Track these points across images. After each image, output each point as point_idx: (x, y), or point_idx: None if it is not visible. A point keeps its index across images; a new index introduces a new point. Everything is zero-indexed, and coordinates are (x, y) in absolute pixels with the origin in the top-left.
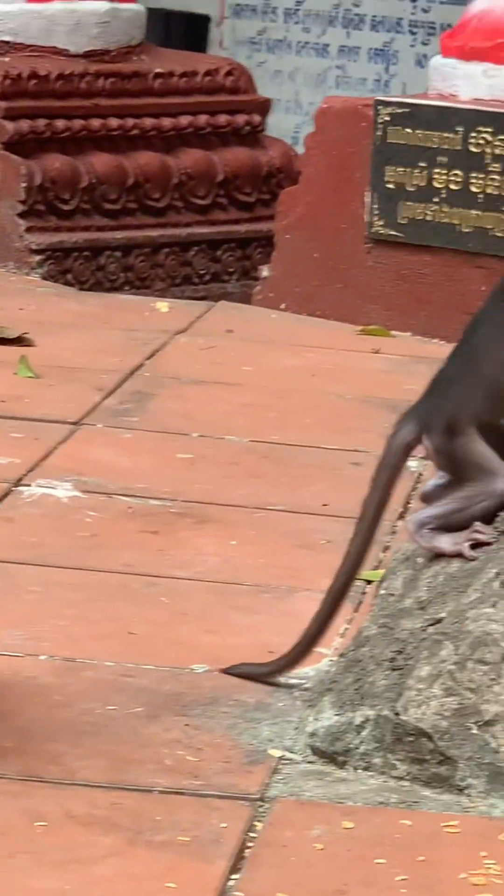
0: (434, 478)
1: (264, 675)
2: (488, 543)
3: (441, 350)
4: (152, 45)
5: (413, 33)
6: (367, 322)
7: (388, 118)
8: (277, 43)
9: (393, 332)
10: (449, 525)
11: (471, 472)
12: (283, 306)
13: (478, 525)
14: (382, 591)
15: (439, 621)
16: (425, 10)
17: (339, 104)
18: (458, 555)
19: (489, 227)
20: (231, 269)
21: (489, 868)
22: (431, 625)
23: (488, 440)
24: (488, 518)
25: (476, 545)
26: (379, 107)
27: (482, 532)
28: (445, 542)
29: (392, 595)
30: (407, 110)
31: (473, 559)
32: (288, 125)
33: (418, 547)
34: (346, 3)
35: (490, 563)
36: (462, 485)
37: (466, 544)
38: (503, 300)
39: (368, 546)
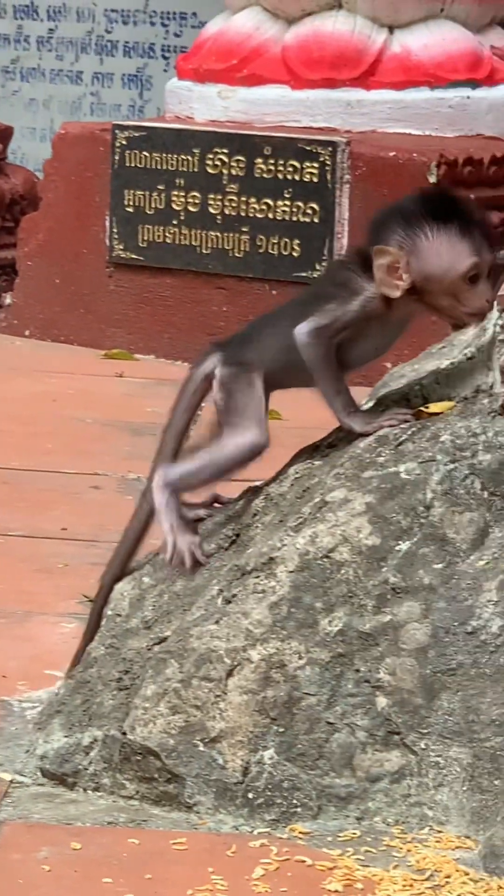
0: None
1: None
2: (201, 564)
3: (183, 371)
4: None
5: (165, 58)
6: (111, 346)
7: (125, 142)
8: (31, 71)
9: (136, 356)
10: (197, 483)
11: (234, 414)
12: (26, 333)
13: (197, 540)
14: (109, 612)
15: (164, 640)
16: (177, 35)
17: (76, 130)
18: (174, 546)
19: (228, 247)
20: None
21: (216, 883)
22: (157, 644)
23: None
24: (232, 470)
25: (195, 563)
26: (116, 131)
27: (200, 552)
28: (167, 519)
29: (119, 615)
30: (144, 134)
31: (181, 564)
32: (44, 153)
33: (147, 568)
34: (98, 29)
35: (213, 580)
36: (220, 431)
37: (188, 553)
38: (323, 279)
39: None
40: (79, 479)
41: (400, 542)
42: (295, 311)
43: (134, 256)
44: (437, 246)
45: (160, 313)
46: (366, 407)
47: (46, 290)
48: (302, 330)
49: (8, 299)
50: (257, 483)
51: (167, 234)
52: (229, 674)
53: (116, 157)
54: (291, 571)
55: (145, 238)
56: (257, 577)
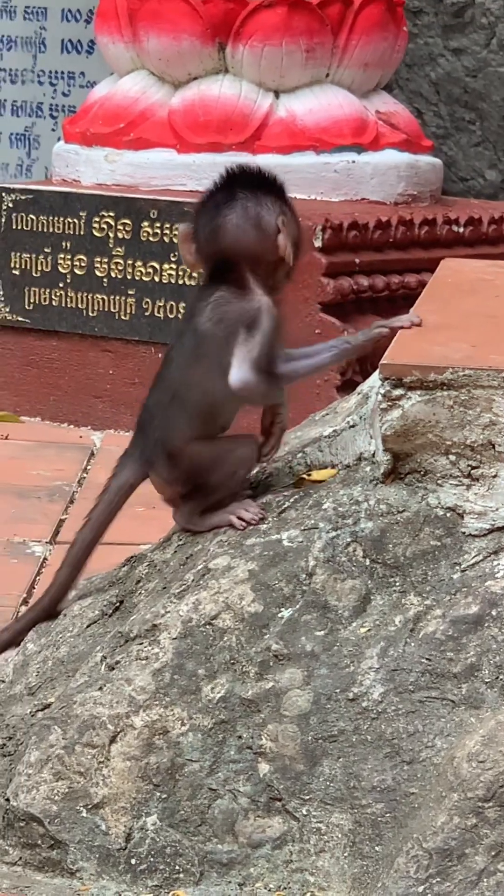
0: None
1: None
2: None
3: (69, 434)
4: None
5: (54, 117)
6: None
7: (11, 205)
8: None
9: (22, 418)
10: (209, 502)
11: (212, 465)
12: None
13: (242, 504)
14: None
15: (48, 706)
16: (65, 94)
17: None
18: (230, 525)
19: (115, 310)
20: None
21: None
22: (40, 710)
23: None
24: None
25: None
26: (3, 194)
27: (248, 510)
28: (218, 518)
29: (2, 682)
30: (31, 197)
31: (247, 525)
32: None
33: (32, 634)
34: None
35: (97, 647)
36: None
37: (234, 517)
38: (186, 328)
39: (76, 575)
40: None
41: (282, 609)
42: (186, 376)
43: (20, 319)
44: (289, 210)
45: (46, 375)
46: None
47: None
48: (243, 377)
49: None
50: (142, 548)
51: (53, 297)
52: (112, 740)
53: (3, 220)
54: (175, 638)
55: (32, 300)
56: (141, 643)
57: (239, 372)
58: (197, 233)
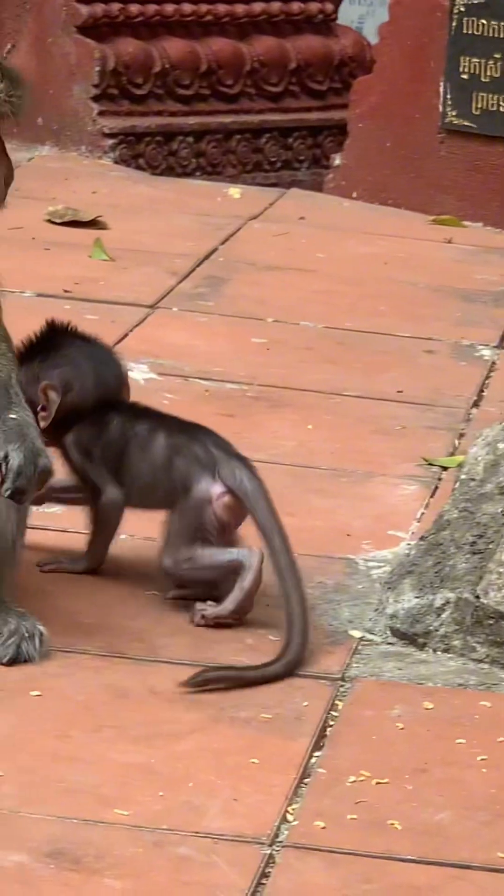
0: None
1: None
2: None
3: None
4: None
5: None
6: (439, 212)
7: (463, 9)
8: None
9: (465, 223)
10: None
11: None
12: (354, 195)
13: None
14: (463, 476)
15: None
16: None
17: None
18: None
19: None
20: (302, 157)
21: None
22: None
23: None
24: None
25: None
26: None
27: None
28: None
29: (473, 480)
30: (483, 1)
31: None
32: (352, 15)
33: (500, 433)
34: None
35: None
36: None
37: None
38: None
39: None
40: (412, 342)
41: None
42: None
43: (467, 123)
44: None
45: (491, 181)
46: None
47: (376, 153)
48: None
49: (337, 160)
50: None
51: (502, 103)
52: None
53: (454, 24)
54: None
55: (479, 106)
56: None
57: None
58: None
